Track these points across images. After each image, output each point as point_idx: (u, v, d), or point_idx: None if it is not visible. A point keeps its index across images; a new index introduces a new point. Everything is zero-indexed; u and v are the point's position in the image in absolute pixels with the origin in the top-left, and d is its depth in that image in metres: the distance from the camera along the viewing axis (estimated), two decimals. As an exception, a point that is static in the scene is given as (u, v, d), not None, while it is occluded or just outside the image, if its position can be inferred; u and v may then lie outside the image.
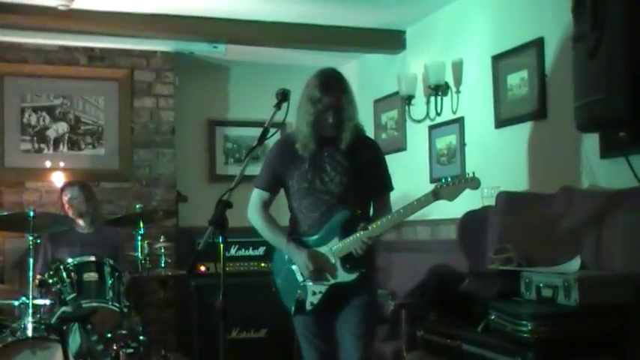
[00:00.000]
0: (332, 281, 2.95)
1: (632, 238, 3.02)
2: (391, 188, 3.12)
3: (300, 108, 2.97)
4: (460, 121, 4.58)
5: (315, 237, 2.99)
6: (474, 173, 2.92)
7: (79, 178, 4.92)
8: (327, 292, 2.96)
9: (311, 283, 2.97)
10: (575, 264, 3.17)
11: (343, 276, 2.94)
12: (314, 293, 2.97)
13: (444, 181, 2.91)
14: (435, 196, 2.88)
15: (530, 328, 2.77)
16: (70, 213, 4.49)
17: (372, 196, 3.07)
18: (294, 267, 3.01)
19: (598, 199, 3.31)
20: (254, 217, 3.10)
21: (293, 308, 3.01)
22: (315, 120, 2.91)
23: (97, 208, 4.69)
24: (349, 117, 2.96)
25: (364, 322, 3.00)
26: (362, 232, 2.87)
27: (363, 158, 3.02)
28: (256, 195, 3.10)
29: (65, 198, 4.53)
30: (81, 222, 4.55)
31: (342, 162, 2.98)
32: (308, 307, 2.98)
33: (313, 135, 2.93)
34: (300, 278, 3.00)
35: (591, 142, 3.44)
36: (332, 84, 2.95)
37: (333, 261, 2.94)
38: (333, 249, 2.95)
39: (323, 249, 2.97)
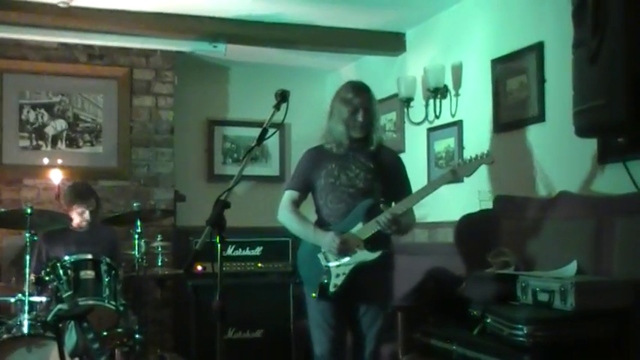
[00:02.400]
0: (356, 262, 3.12)
1: (630, 243, 3.02)
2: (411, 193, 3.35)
3: (333, 112, 3.28)
4: (459, 124, 4.58)
5: (340, 224, 3.18)
6: (487, 150, 3.23)
7: (78, 179, 4.91)
8: (350, 273, 3.12)
9: (335, 266, 3.13)
10: (571, 269, 3.18)
11: (367, 255, 3.13)
12: (337, 275, 3.14)
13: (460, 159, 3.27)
14: (454, 173, 3.18)
15: (526, 332, 2.78)
16: (82, 224, 4.47)
17: (393, 200, 3.23)
18: (319, 255, 3.18)
19: (595, 205, 3.32)
20: (284, 213, 3.31)
21: (317, 291, 3.15)
22: (348, 119, 3.19)
23: (101, 211, 4.68)
24: (377, 119, 3.28)
25: (382, 318, 3.26)
26: (385, 211, 3.09)
27: (385, 163, 3.28)
28: (286, 196, 3.34)
29: (78, 209, 4.41)
30: (84, 224, 4.51)
31: (366, 163, 3.24)
32: (332, 288, 3.14)
33: (347, 133, 3.20)
34: (324, 263, 3.16)
35: (589, 147, 3.45)
36: (361, 88, 3.30)
37: (358, 241, 3.13)
38: (358, 231, 3.14)
39: (348, 233, 3.16)
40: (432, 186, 3.23)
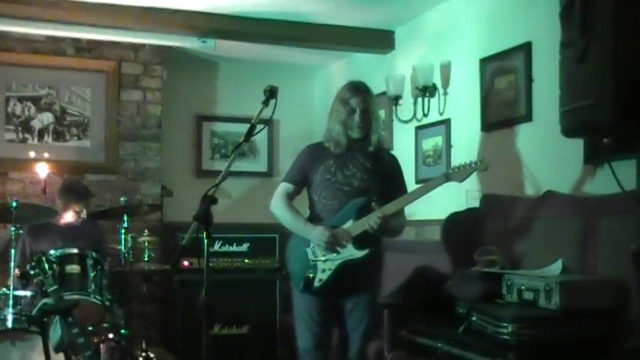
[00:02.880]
0: (342, 258, 3.14)
1: (614, 243, 3.04)
2: None
3: (332, 111, 3.31)
4: (447, 122, 4.59)
5: (331, 220, 3.20)
6: (481, 157, 3.23)
7: (65, 173, 4.89)
8: (336, 269, 3.15)
9: (321, 261, 3.15)
10: (556, 268, 3.20)
11: (354, 252, 3.15)
12: (323, 270, 3.16)
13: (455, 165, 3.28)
14: (447, 177, 3.22)
15: (510, 330, 2.80)
16: (78, 221, 4.45)
17: (389, 201, 3.23)
18: (307, 249, 3.20)
19: (581, 205, 3.34)
20: (277, 204, 3.33)
21: (302, 284, 3.18)
22: (346, 119, 3.21)
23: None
24: (376, 118, 3.28)
25: (369, 317, 3.27)
26: (376, 209, 3.11)
27: (384, 165, 3.31)
28: (282, 187, 3.36)
29: (77, 208, 4.42)
30: (79, 221, 4.48)
31: (364, 163, 3.26)
32: (316, 283, 3.17)
33: (344, 133, 3.23)
34: (311, 257, 3.19)
35: (576, 147, 3.47)
36: (360, 88, 3.30)
37: (347, 237, 3.15)
38: (348, 228, 3.15)
39: (338, 229, 3.18)
40: (424, 189, 3.25)
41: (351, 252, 3.15)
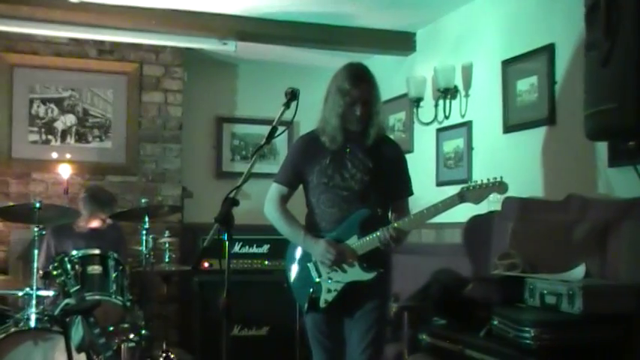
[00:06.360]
0: (348, 279, 2.92)
1: (637, 247, 3.01)
2: (411, 192, 3.09)
3: (328, 100, 2.97)
4: (468, 125, 4.57)
5: (333, 234, 2.95)
6: (501, 177, 2.84)
7: (87, 174, 4.94)
8: (342, 290, 2.93)
9: (326, 281, 2.94)
10: (579, 272, 3.17)
11: (360, 274, 2.91)
12: (329, 291, 2.94)
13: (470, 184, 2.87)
14: (461, 198, 2.83)
15: (532, 334, 2.77)
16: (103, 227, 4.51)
17: (391, 198, 3.03)
18: (309, 264, 2.99)
19: (605, 208, 3.30)
20: (271, 210, 3.08)
21: (306, 305, 2.99)
22: (344, 112, 2.90)
23: None
24: (377, 111, 2.95)
25: (373, 329, 2.96)
26: (386, 228, 2.83)
27: (385, 158, 2.99)
28: (275, 189, 3.10)
29: (102, 216, 4.46)
30: (105, 227, 4.53)
31: (364, 160, 2.95)
32: (322, 304, 2.95)
33: (341, 127, 2.92)
34: (315, 275, 2.97)
35: (600, 150, 3.43)
36: (361, 77, 2.94)
37: (353, 257, 2.90)
38: (353, 245, 2.91)
39: (344, 244, 2.93)
40: (437, 209, 2.84)
41: (358, 274, 2.90)
